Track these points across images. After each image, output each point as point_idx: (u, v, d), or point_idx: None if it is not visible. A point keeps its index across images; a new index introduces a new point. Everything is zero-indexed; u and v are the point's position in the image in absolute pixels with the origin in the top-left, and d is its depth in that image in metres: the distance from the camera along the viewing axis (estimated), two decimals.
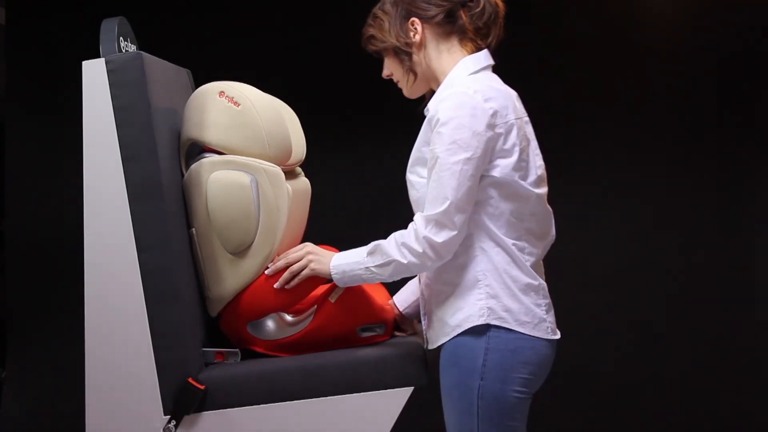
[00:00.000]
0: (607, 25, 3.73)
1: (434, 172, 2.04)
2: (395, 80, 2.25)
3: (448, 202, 2.01)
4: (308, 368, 2.24)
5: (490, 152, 2.04)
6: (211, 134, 2.29)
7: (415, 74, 2.18)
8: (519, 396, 2.07)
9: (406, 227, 2.11)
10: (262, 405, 2.22)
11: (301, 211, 2.52)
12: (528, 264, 2.10)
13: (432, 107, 2.11)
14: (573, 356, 2.62)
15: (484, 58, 2.16)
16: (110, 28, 2.27)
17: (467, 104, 2.02)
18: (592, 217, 3.73)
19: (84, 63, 2.22)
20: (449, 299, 2.10)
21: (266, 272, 2.25)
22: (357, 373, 2.22)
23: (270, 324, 2.37)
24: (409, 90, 2.23)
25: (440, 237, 2.02)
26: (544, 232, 2.20)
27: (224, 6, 3.93)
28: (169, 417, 2.22)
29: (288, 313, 2.42)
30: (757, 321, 3.64)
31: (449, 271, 2.10)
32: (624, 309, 3.73)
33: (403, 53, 2.16)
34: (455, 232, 2.03)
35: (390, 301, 2.39)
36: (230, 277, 2.30)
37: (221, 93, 2.29)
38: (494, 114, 2.03)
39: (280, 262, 2.24)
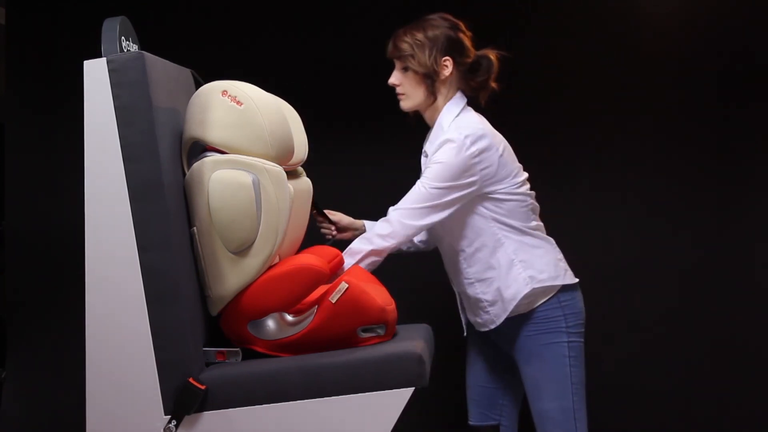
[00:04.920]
0: (608, 26, 3.73)
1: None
2: (400, 91, 2.64)
3: None
4: (308, 368, 2.24)
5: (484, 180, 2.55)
6: (213, 133, 2.29)
7: (435, 98, 2.63)
8: (580, 341, 2.66)
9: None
10: (262, 405, 2.22)
11: (302, 210, 2.53)
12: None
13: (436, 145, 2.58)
14: None
15: (461, 98, 2.66)
16: (112, 27, 2.27)
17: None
18: (593, 217, 3.73)
19: (85, 63, 2.22)
20: (494, 282, 2.61)
21: None
22: (357, 373, 2.22)
23: (270, 324, 2.37)
24: (412, 105, 2.65)
25: None
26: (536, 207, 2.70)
27: (226, 6, 3.93)
28: (169, 417, 2.22)
29: (289, 313, 2.42)
30: (758, 320, 3.63)
31: (486, 262, 2.61)
32: (624, 309, 3.73)
33: (430, 79, 2.59)
34: None
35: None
36: (231, 277, 2.30)
37: (224, 92, 2.29)
38: (481, 153, 2.53)
39: None
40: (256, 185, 2.25)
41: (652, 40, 3.70)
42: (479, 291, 2.64)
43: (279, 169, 2.28)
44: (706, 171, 3.67)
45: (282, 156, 2.32)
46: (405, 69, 2.61)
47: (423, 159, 2.76)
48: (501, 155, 2.57)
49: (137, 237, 2.20)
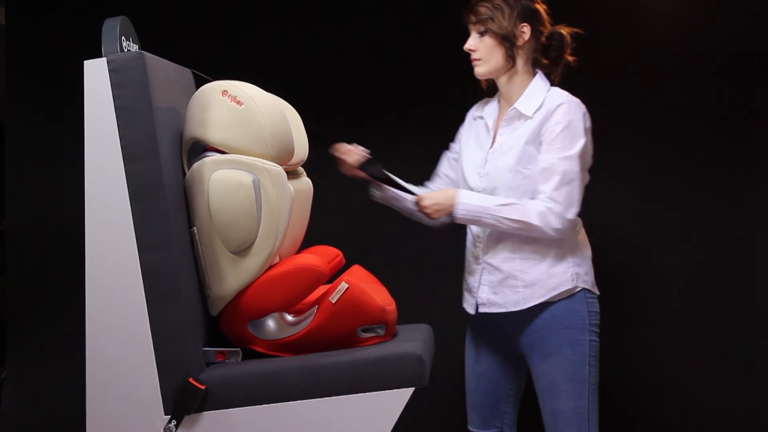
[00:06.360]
0: (607, 24, 3.73)
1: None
2: (476, 57, 2.62)
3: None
4: (308, 368, 2.24)
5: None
6: (213, 133, 2.29)
7: (513, 61, 2.61)
8: (597, 341, 2.63)
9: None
10: (262, 405, 2.22)
11: (302, 210, 2.53)
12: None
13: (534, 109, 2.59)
14: None
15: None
16: (112, 27, 2.27)
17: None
18: (592, 216, 3.73)
19: (86, 63, 2.22)
20: (539, 266, 2.58)
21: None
22: (357, 373, 2.22)
23: (271, 323, 2.37)
24: (488, 70, 2.63)
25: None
26: None
27: (226, 5, 3.93)
28: (169, 417, 2.22)
29: (289, 313, 2.42)
30: (758, 320, 3.63)
31: (538, 245, 2.59)
32: (623, 309, 3.73)
33: (508, 42, 2.58)
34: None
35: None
36: (231, 277, 2.30)
37: (224, 92, 2.30)
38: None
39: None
40: (256, 185, 2.25)
41: (652, 40, 3.70)
42: (519, 269, 2.60)
43: (279, 169, 2.28)
44: (705, 171, 3.67)
45: (282, 156, 2.32)
46: (482, 33, 2.59)
47: (478, 121, 2.75)
48: None
49: (137, 237, 2.20)
